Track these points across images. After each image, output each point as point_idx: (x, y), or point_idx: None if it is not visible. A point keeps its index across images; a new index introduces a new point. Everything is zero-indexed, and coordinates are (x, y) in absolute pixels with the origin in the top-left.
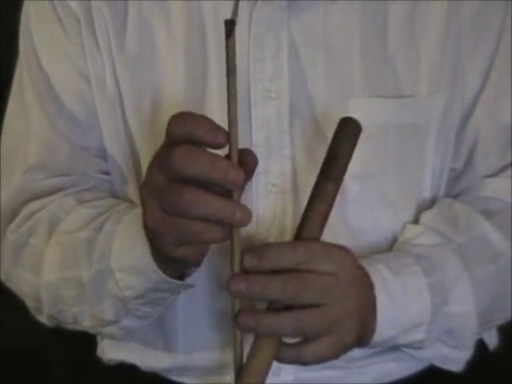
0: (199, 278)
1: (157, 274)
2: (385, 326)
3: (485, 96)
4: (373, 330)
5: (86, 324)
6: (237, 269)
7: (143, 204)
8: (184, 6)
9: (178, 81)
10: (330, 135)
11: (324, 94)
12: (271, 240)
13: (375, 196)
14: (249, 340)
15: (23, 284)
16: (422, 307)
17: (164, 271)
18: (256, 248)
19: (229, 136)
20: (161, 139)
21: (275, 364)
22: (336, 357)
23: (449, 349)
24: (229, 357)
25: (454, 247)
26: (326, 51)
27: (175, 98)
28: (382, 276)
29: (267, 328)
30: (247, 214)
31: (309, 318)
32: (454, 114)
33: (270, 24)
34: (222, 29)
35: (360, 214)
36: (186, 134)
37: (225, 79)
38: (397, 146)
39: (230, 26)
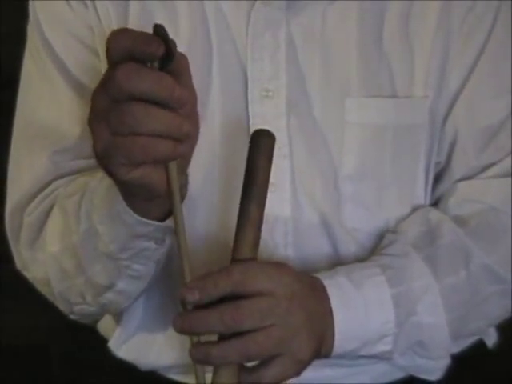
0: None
1: (129, 215)
2: (344, 339)
3: (465, 94)
4: (332, 342)
5: (89, 298)
6: (188, 279)
7: (92, 133)
8: (188, 5)
9: None
10: (328, 135)
11: (321, 93)
12: (269, 240)
13: (371, 196)
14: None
15: (36, 268)
16: (385, 319)
17: (145, 216)
18: (195, 281)
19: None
20: None
21: None
22: (297, 374)
23: (421, 359)
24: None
25: (424, 256)
26: (323, 51)
27: None
28: (341, 289)
29: (216, 358)
30: (194, 127)
31: (253, 342)
32: (440, 112)
33: (267, 24)
34: (225, 29)
35: (355, 214)
36: (125, 50)
37: (226, 78)
38: (393, 146)
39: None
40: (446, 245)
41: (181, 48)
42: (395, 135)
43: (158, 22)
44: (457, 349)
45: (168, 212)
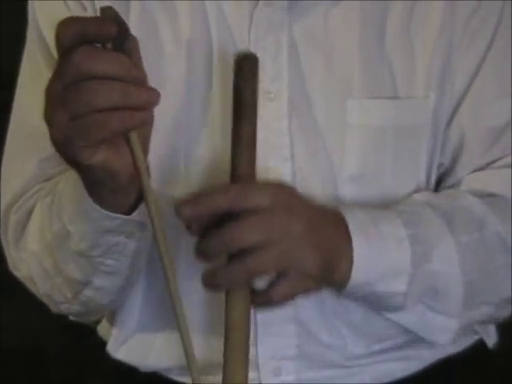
0: (196, 273)
1: (96, 211)
2: (362, 268)
3: (470, 96)
4: (349, 270)
5: (69, 294)
6: (167, 265)
7: (48, 123)
8: (189, 5)
9: (180, 81)
10: (329, 136)
11: (323, 95)
12: None
13: (372, 197)
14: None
15: (22, 267)
16: (402, 255)
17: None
18: (189, 196)
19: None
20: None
21: (275, 365)
22: (306, 290)
23: (433, 314)
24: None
25: (440, 214)
26: (325, 52)
27: (176, 97)
28: (359, 220)
29: (223, 280)
30: (155, 94)
31: (255, 258)
32: (444, 114)
33: (270, 25)
34: (225, 29)
35: None
36: (76, 35)
37: (227, 79)
38: (394, 147)
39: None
40: (459, 207)
41: (181, 48)
42: (396, 136)
43: (159, 21)
44: (459, 347)
45: (135, 205)
